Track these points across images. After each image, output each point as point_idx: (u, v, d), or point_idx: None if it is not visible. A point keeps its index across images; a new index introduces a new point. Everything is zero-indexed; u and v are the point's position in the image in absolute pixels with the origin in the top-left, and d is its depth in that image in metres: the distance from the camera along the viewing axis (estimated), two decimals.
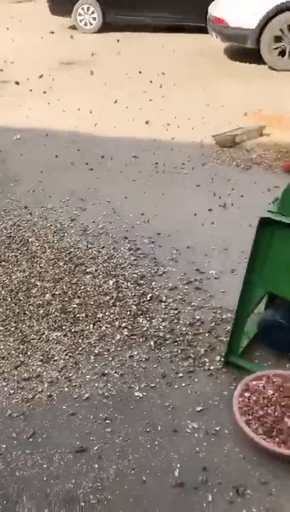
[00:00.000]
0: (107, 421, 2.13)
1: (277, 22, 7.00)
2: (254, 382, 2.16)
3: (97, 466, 1.96)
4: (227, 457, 1.99)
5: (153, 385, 2.31)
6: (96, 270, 3.03)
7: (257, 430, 1.98)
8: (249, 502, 1.83)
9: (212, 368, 2.40)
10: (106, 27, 9.73)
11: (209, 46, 8.27)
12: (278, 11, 6.93)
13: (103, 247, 3.29)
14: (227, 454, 2.00)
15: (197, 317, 2.72)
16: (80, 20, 9.78)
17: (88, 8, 9.67)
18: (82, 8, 9.67)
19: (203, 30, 8.33)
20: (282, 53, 7.18)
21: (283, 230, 1.93)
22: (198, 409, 2.19)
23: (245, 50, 7.52)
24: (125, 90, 6.29)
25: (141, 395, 2.25)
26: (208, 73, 7.17)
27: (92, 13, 9.68)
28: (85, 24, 9.79)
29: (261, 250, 2.02)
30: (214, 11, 7.62)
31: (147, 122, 5.34)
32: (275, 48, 7.15)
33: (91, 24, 9.78)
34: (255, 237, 2.01)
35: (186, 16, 9.14)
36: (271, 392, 2.09)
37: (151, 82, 6.59)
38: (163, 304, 2.81)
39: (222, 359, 2.39)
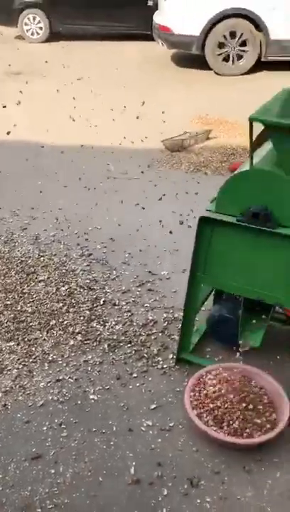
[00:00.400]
0: (63, 426, 2.15)
1: (220, 29, 7.23)
2: (204, 377, 2.22)
3: (53, 471, 1.97)
4: (181, 451, 2.05)
5: (107, 387, 2.34)
6: (48, 278, 3.04)
7: (208, 422, 2.04)
8: (203, 492, 1.89)
9: (165, 366, 2.45)
10: (53, 36, 9.75)
11: (156, 53, 8.43)
12: (221, 17, 7.16)
13: (55, 254, 3.30)
14: (181, 448, 2.06)
15: (150, 318, 2.77)
16: (27, 30, 9.75)
17: (34, 18, 9.66)
18: (28, 18, 9.65)
19: (150, 38, 8.48)
20: (226, 59, 7.41)
21: (221, 227, 2.02)
22: (152, 407, 2.23)
23: (191, 56, 7.71)
24: (73, 98, 6.31)
25: (96, 398, 2.28)
26: (155, 80, 7.30)
27: (39, 22, 9.68)
28: (32, 34, 9.77)
29: (203, 248, 2.09)
30: (158, 18, 7.78)
31: (96, 129, 5.39)
32: (219, 54, 7.38)
33: (38, 34, 9.77)
34: (196, 236, 2.08)
35: (132, 24, 9.29)
36: (221, 385, 2.16)
37: (97, 89, 6.65)
38: (116, 307, 2.85)
39: (174, 357, 2.45)
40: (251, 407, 2.07)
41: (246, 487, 1.91)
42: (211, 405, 2.09)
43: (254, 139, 2.01)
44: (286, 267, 1.94)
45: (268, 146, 2.05)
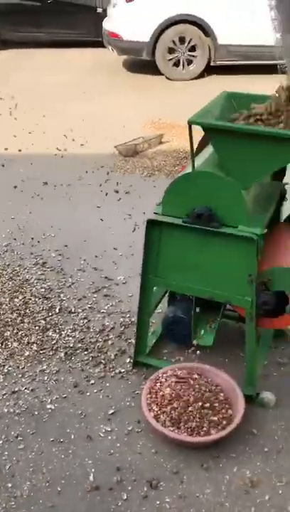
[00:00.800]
0: (20, 438, 2.11)
1: (169, 34, 7.33)
2: (160, 378, 2.24)
3: (10, 485, 1.93)
4: (140, 454, 2.05)
5: (64, 395, 2.32)
6: (1, 289, 2.99)
7: (165, 423, 2.05)
8: (163, 493, 1.90)
9: (122, 370, 2.46)
10: (3, 44, 9.63)
11: (107, 60, 8.45)
12: (170, 23, 7.26)
13: (8, 264, 3.25)
14: (140, 451, 2.06)
15: (107, 323, 2.77)
16: None
17: None
18: None
19: (101, 45, 8.50)
20: (177, 64, 7.52)
21: (168, 229, 2.04)
22: (110, 412, 2.23)
23: (143, 61, 7.78)
24: (20, 105, 6.26)
25: (53, 407, 2.26)
26: (107, 85, 7.32)
27: None
28: None
29: (153, 251, 2.11)
30: (108, 25, 7.81)
31: (47, 135, 5.36)
32: (169, 59, 7.47)
33: None
34: (145, 239, 2.10)
35: (83, 31, 9.29)
36: (177, 385, 2.18)
37: (47, 96, 6.62)
38: (72, 314, 2.83)
39: (131, 360, 2.46)
40: (207, 405, 2.10)
41: (204, 484, 1.93)
42: (168, 406, 2.11)
43: (200, 141, 2.05)
44: (231, 265, 1.99)
45: (209, 148, 2.09)
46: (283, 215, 2.44)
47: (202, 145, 2.19)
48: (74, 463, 2.02)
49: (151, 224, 2.06)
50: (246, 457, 2.03)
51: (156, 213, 2.06)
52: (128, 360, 2.51)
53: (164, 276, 2.15)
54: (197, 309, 2.26)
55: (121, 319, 2.81)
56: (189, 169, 1.97)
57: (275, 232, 2.15)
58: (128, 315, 2.83)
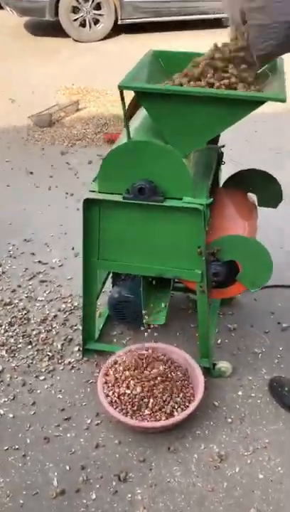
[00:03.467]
0: None
1: None
2: (114, 363, 2.12)
3: None
4: (103, 447, 1.95)
5: (13, 397, 2.14)
6: None
7: (126, 410, 1.95)
8: (133, 485, 1.82)
9: (72, 360, 2.31)
10: None
11: (6, 22, 7.81)
12: None
13: None
14: (103, 444, 1.96)
15: (48, 312, 2.59)
16: None
17: None
18: None
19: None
20: (83, 24, 7.11)
21: (108, 208, 1.88)
22: (65, 407, 2.09)
23: (47, 23, 7.26)
24: None
25: (2, 412, 2.07)
26: (10, 51, 6.78)
27: None
28: None
29: (93, 232, 1.94)
30: None
31: None
32: (75, 20, 7.04)
33: None
34: (83, 219, 1.92)
35: None
36: (132, 369, 2.07)
37: None
38: (8, 307, 2.61)
39: (81, 349, 2.32)
40: (167, 384, 2.01)
41: (173, 468, 1.87)
42: (126, 392, 2.00)
43: (128, 106, 1.87)
44: (178, 238, 1.88)
45: (142, 114, 1.93)
46: (222, 180, 2.36)
47: (132, 111, 2.01)
48: (34, 470, 1.87)
49: (89, 204, 1.88)
50: (211, 432, 2.00)
51: (92, 191, 1.88)
52: (76, 348, 2.36)
53: (108, 257, 2.00)
54: (145, 288, 2.14)
55: (63, 305, 2.64)
56: (124, 139, 1.80)
57: (217, 199, 2.05)
58: (69, 300, 2.67)
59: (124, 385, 2.02)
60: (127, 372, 2.06)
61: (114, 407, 1.96)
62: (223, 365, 2.20)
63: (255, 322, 2.51)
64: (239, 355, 2.33)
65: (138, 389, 2.00)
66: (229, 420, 2.04)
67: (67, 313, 2.59)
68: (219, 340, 2.40)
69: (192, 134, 1.72)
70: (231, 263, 1.96)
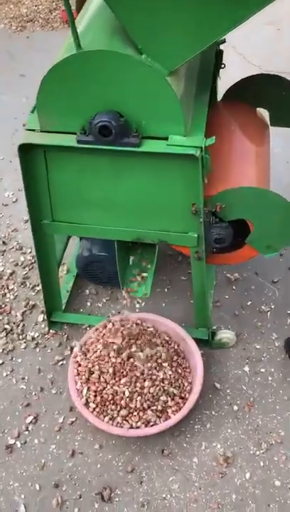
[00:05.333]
0: None
1: None
2: (86, 348, 1.66)
3: None
4: (81, 455, 1.57)
5: None
6: None
7: (102, 412, 1.53)
8: (120, 505, 1.47)
9: (36, 335, 1.85)
10: None
11: None
12: None
13: None
14: (80, 451, 1.57)
15: (2, 268, 2.07)
16: None
17: None
18: None
19: None
20: None
21: (58, 155, 1.26)
22: (30, 402, 1.68)
23: None
24: None
25: None
26: None
27: None
28: None
29: (39, 189, 1.35)
30: None
31: None
32: None
33: None
34: (22, 171, 1.31)
35: None
36: (114, 350, 1.61)
37: None
38: None
39: (46, 318, 1.84)
40: (155, 376, 1.57)
41: (169, 478, 1.51)
42: (108, 384, 1.55)
43: None
44: (164, 194, 1.30)
45: (97, 4, 1.22)
46: (221, 92, 1.69)
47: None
48: None
49: (27, 150, 1.25)
50: (213, 425, 1.62)
51: (30, 130, 1.24)
52: (41, 317, 1.89)
53: (65, 219, 1.43)
54: (119, 250, 1.60)
55: (22, 258, 2.10)
56: (70, 48, 1.12)
57: (214, 121, 1.42)
58: (29, 250, 2.13)
59: (105, 374, 1.57)
60: (107, 357, 1.59)
61: (91, 409, 1.54)
62: (224, 335, 1.76)
63: (260, 269, 2.02)
64: (243, 316, 1.88)
65: (123, 379, 1.55)
66: (235, 408, 1.65)
67: (27, 268, 2.07)
68: (217, 298, 1.93)
69: (183, 35, 1.05)
70: (238, 222, 1.40)
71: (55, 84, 1.14)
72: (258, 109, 1.64)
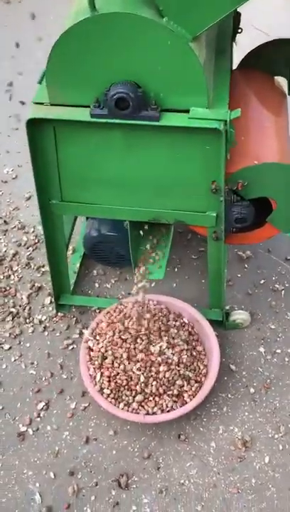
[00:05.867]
0: None
1: None
2: (97, 332, 1.60)
3: None
4: (95, 441, 1.53)
5: None
6: None
7: (117, 398, 1.48)
8: (137, 491, 1.44)
9: (44, 318, 1.79)
10: None
11: None
12: None
13: None
14: (94, 437, 1.53)
15: (5, 248, 1.99)
16: None
17: None
18: None
19: None
20: None
21: (69, 130, 1.17)
22: (41, 387, 1.62)
23: None
24: None
25: None
26: None
27: None
28: None
29: (48, 167, 1.26)
30: None
31: None
32: None
33: None
34: (30, 148, 1.22)
35: None
36: (128, 334, 1.55)
37: None
38: None
39: (53, 300, 1.77)
40: (170, 361, 1.52)
41: (187, 464, 1.48)
42: (120, 368, 1.50)
43: None
44: (181, 172, 1.21)
45: None
46: (237, 60, 1.58)
47: None
48: (9, 482, 1.46)
49: (35, 125, 1.16)
50: (230, 408, 1.58)
51: (38, 103, 1.14)
52: (48, 300, 1.82)
53: (75, 199, 1.35)
54: (132, 230, 1.52)
55: (24, 237, 2.02)
56: (83, 11, 1.01)
57: (232, 93, 1.32)
58: (32, 229, 2.04)
59: (116, 362, 1.52)
60: (120, 341, 1.54)
61: (105, 395, 1.49)
62: (239, 316, 1.71)
63: (273, 246, 1.95)
64: (257, 296, 1.83)
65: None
66: (252, 390, 1.61)
67: (31, 248, 1.99)
68: (229, 277, 1.86)
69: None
70: (259, 200, 1.32)
71: (67, 52, 1.04)
72: (276, 77, 1.54)
